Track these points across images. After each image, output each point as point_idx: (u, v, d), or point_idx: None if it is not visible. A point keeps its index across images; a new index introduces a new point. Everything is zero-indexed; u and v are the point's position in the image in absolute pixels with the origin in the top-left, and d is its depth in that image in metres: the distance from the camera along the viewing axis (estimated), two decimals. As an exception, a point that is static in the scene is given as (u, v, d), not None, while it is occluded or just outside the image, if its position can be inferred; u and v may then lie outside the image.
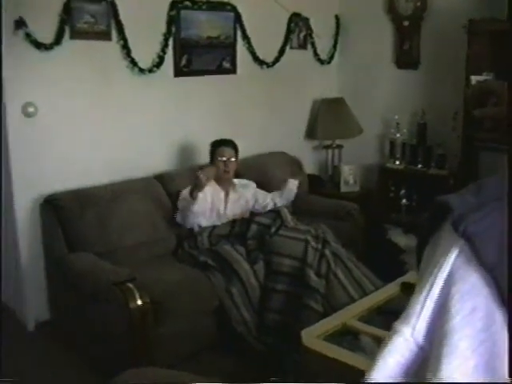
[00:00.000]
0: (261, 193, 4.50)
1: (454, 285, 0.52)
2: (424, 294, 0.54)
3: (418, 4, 5.28)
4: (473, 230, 0.51)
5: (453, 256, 0.52)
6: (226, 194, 4.32)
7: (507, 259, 0.50)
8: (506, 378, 0.49)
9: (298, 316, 3.55)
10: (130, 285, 3.26)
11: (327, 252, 3.80)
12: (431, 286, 0.54)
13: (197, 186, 4.01)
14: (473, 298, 0.51)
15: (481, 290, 0.51)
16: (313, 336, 2.90)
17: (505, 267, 0.50)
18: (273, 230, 3.90)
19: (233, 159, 4.31)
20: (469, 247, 0.51)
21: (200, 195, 4.03)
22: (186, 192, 4.16)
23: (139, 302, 3.20)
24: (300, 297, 3.61)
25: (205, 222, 4.13)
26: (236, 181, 4.42)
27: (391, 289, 3.42)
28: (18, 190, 3.87)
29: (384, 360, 0.57)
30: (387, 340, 0.58)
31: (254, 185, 4.55)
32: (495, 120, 3.69)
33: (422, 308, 0.54)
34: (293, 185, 4.46)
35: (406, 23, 5.42)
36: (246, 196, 4.40)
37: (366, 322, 3.05)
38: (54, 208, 3.85)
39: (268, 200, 4.44)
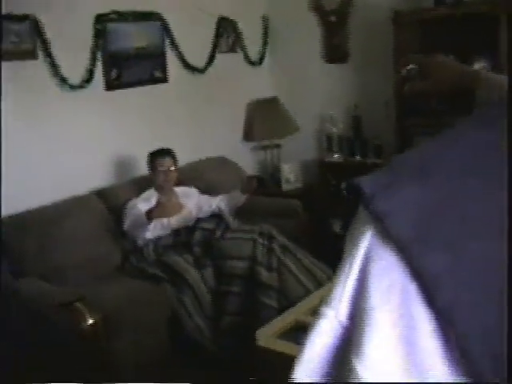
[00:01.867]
0: (205, 200, 4.49)
1: (370, 263, 0.54)
2: (344, 276, 0.56)
3: (343, -2, 5.36)
4: (382, 208, 0.53)
5: (368, 235, 0.55)
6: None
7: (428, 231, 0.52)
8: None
9: (255, 315, 3.56)
10: (79, 304, 3.21)
11: (275, 246, 3.84)
12: (350, 266, 0.56)
13: (157, 211, 3.96)
14: (388, 275, 0.53)
15: (395, 266, 0.53)
16: (268, 335, 2.92)
17: (420, 243, 0.52)
18: (218, 234, 3.91)
19: (172, 168, 4.30)
20: (380, 225, 0.53)
21: (153, 222, 4.01)
22: (133, 202, 4.15)
23: (90, 321, 3.16)
24: (254, 296, 3.63)
25: (150, 235, 4.10)
26: (177, 189, 4.40)
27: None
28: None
29: (311, 343, 0.59)
30: (313, 324, 0.60)
31: (196, 192, 4.54)
32: (425, 96, 3.77)
33: (343, 289, 0.56)
34: (240, 197, 4.45)
35: (332, 18, 5.49)
36: (189, 204, 4.38)
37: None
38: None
39: (213, 206, 4.43)
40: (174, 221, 4.23)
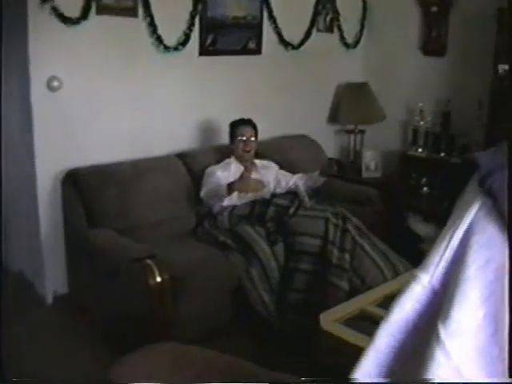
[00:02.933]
0: (283, 174, 4.48)
1: (473, 236, 0.54)
2: (444, 243, 0.57)
3: (448, -10, 5.22)
4: (497, 187, 0.53)
5: (474, 209, 0.55)
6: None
7: None
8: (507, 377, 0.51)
9: (322, 294, 3.53)
10: (150, 261, 3.26)
11: (349, 227, 3.78)
12: (451, 236, 0.56)
13: (239, 185, 4.01)
14: (488, 250, 0.53)
15: (497, 243, 0.53)
16: (331, 319, 2.90)
17: None
18: (291, 210, 3.89)
19: (253, 138, 4.31)
20: (491, 202, 0.53)
21: (235, 194, 4.05)
22: (212, 169, 4.18)
23: (158, 279, 3.20)
24: (324, 275, 3.60)
25: (226, 202, 4.12)
26: (257, 161, 4.41)
27: (409, 277, 3.40)
28: (41, 164, 3.89)
29: (400, 305, 0.60)
30: (406, 286, 0.60)
31: (276, 166, 4.53)
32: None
33: (442, 257, 0.57)
34: (318, 179, 4.41)
35: (434, 9, 5.35)
36: (268, 177, 4.37)
37: (383, 308, 3.03)
38: (76, 182, 3.87)
39: (291, 183, 4.42)
40: (251, 194, 4.23)
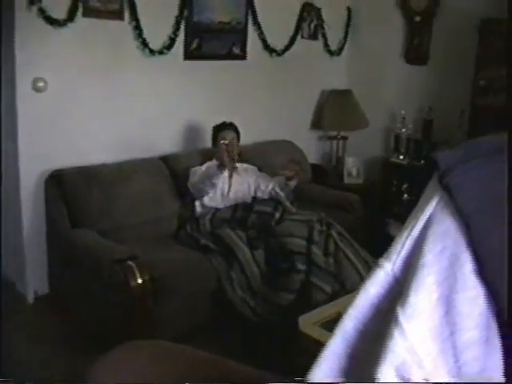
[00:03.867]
0: (263, 178, 4.51)
1: (431, 227, 0.60)
2: (406, 234, 0.63)
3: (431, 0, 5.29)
4: (454, 182, 0.58)
5: (434, 202, 0.60)
6: (230, 177, 4.34)
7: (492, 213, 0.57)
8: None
9: (306, 296, 3.58)
10: (131, 263, 3.29)
11: (333, 232, 3.84)
12: (412, 227, 0.62)
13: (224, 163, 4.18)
14: (444, 239, 0.58)
15: (452, 233, 0.58)
16: (309, 322, 2.94)
17: (482, 218, 0.57)
18: (277, 216, 3.93)
19: (235, 142, 4.35)
20: (448, 196, 0.58)
21: (214, 191, 4.16)
22: (197, 168, 4.25)
23: (140, 281, 3.23)
24: (309, 276, 3.64)
25: (208, 201, 4.16)
26: (239, 165, 4.45)
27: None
28: (25, 164, 3.90)
29: (366, 290, 0.65)
30: (371, 273, 0.66)
31: (256, 169, 4.57)
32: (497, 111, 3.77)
33: (403, 246, 0.63)
34: (285, 185, 4.37)
35: (417, 18, 5.42)
36: (249, 181, 4.42)
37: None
38: (59, 183, 3.89)
39: (270, 187, 4.44)
40: (233, 193, 4.28)
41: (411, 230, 0.62)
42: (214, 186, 4.14)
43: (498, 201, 0.57)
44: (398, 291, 0.61)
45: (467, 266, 0.57)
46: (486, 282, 0.56)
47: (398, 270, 0.63)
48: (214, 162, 4.32)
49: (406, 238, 0.63)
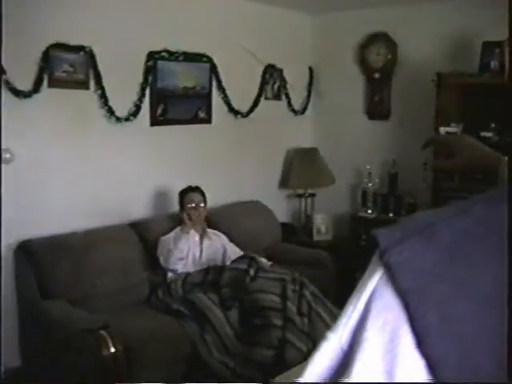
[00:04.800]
0: (231, 248, 4.53)
1: (374, 301, 0.63)
2: (351, 307, 0.65)
3: (389, 57, 5.46)
4: (392, 261, 0.61)
5: (377, 277, 0.63)
6: (201, 240, 4.35)
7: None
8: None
9: (282, 351, 3.56)
10: (103, 332, 3.25)
11: (306, 292, 3.86)
12: (357, 300, 0.65)
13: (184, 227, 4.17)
14: (385, 314, 0.61)
15: (392, 309, 0.61)
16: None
17: (418, 295, 0.59)
18: (252, 272, 3.94)
19: (202, 204, 4.38)
20: (389, 274, 0.62)
21: (185, 257, 4.17)
22: (165, 238, 4.23)
23: (112, 350, 3.19)
24: (284, 333, 3.63)
25: (180, 268, 4.16)
26: (209, 230, 4.48)
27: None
28: (-8, 236, 3.87)
29: (314, 363, 0.67)
30: (318, 346, 0.68)
31: (225, 238, 4.58)
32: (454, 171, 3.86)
33: (348, 319, 0.65)
34: (264, 264, 4.34)
35: (376, 75, 5.58)
36: (218, 245, 4.45)
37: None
38: (28, 254, 3.85)
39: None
40: (204, 257, 4.30)
41: (357, 303, 0.65)
42: (182, 252, 4.15)
43: (434, 277, 0.60)
44: (344, 364, 0.64)
45: (407, 339, 0.59)
46: (425, 355, 0.58)
47: (344, 343, 0.65)
48: (181, 228, 4.31)
49: (352, 311, 0.65)
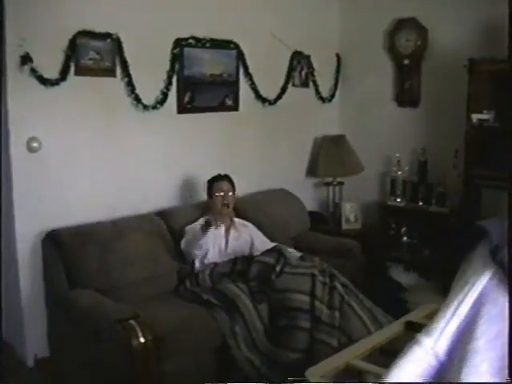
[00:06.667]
0: (260, 238, 4.47)
1: (484, 306, 0.54)
2: (451, 309, 0.57)
3: (419, 43, 5.35)
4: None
5: (485, 278, 0.54)
6: (227, 231, 4.30)
7: None
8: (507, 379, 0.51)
9: (313, 352, 3.50)
10: (133, 322, 3.22)
11: (337, 284, 3.78)
12: (460, 303, 0.56)
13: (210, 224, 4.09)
14: (500, 322, 0.53)
15: (507, 316, 0.52)
16: (317, 375, 2.87)
17: None
18: (278, 268, 3.86)
19: (230, 193, 4.33)
20: (503, 273, 0.53)
21: (211, 231, 4.08)
22: (190, 227, 4.19)
23: (142, 340, 3.16)
24: (313, 332, 3.57)
25: (207, 259, 4.13)
26: (236, 219, 4.42)
27: (395, 328, 3.38)
28: (20, 226, 3.85)
29: (400, 368, 0.59)
30: (406, 349, 0.59)
31: (253, 228, 4.53)
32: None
33: (448, 323, 0.57)
34: (293, 254, 4.23)
35: (406, 62, 5.48)
36: (246, 236, 4.39)
37: (369, 362, 3.01)
38: (56, 244, 3.84)
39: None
40: (230, 248, 4.25)
41: (458, 306, 0.56)
42: (200, 248, 4.10)
43: None
44: (440, 374, 0.56)
45: None
46: None
47: (441, 350, 0.57)
48: (208, 217, 4.22)
49: (453, 314, 0.57)
